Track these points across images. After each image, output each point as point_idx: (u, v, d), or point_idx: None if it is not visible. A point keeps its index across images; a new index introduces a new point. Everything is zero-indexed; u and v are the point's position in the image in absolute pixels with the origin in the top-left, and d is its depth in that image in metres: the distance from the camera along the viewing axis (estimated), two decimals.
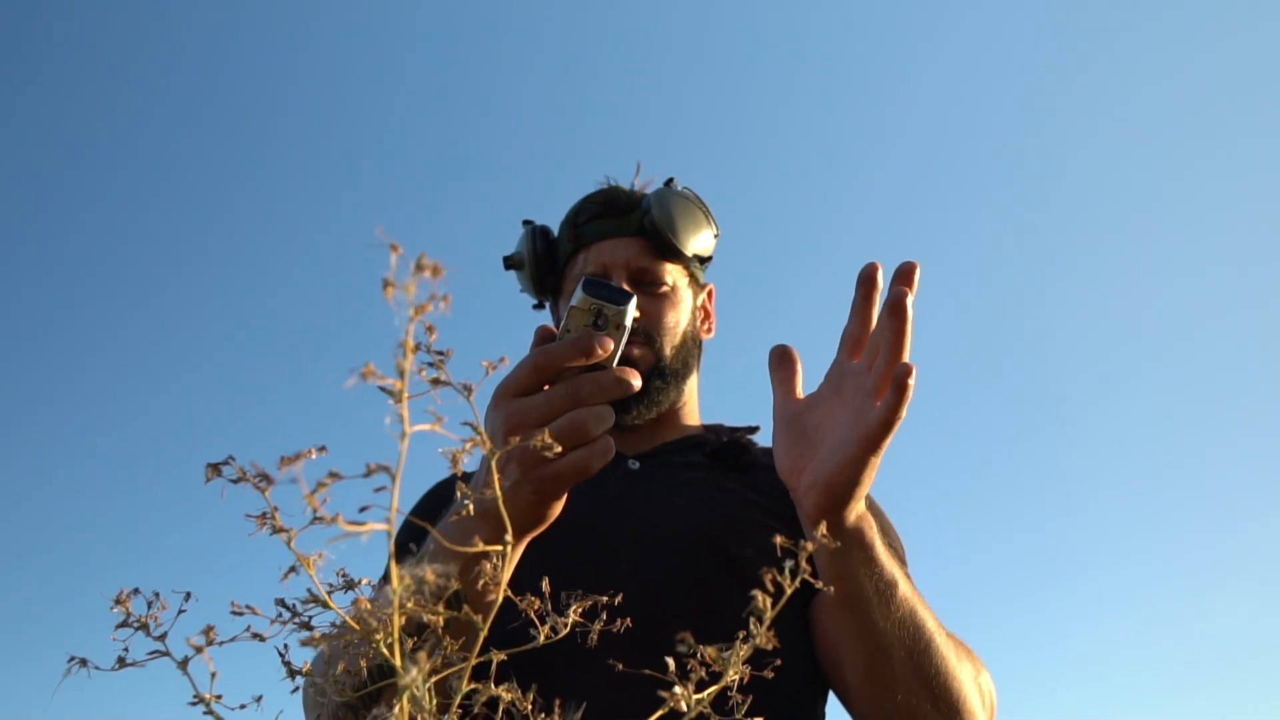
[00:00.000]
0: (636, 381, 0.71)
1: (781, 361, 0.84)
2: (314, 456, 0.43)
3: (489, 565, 0.43)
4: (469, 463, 0.43)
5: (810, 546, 0.40)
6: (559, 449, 0.70)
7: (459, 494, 0.47)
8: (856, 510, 0.77)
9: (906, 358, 0.72)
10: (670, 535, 1.02)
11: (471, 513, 0.47)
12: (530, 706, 0.45)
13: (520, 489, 0.70)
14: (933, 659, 0.84)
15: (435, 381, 0.42)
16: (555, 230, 1.23)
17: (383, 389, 0.38)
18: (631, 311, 0.73)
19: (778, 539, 0.42)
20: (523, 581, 0.61)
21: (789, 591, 0.39)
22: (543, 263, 1.20)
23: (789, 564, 0.39)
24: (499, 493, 0.72)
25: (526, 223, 1.24)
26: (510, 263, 1.25)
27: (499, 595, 0.59)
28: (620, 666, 0.58)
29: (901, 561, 1.10)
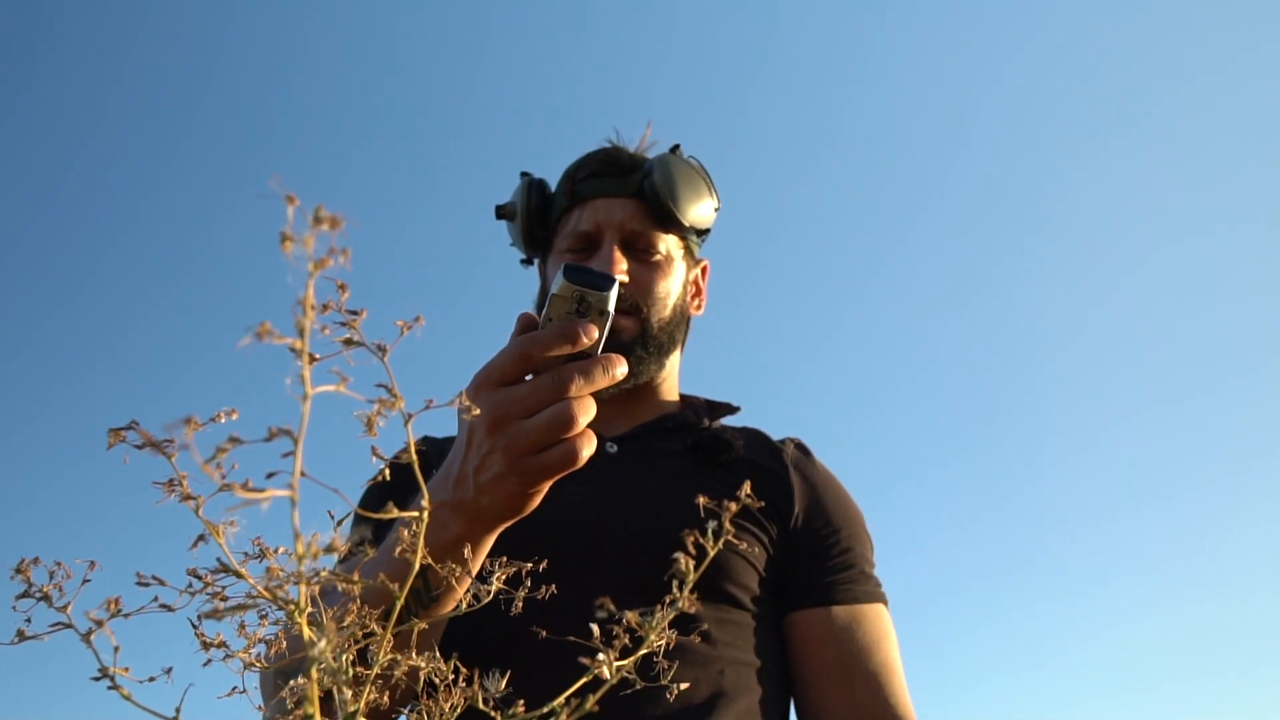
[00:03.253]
0: (622, 369, 0.70)
1: None
2: (224, 420, 0.41)
3: (407, 532, 0.42)
4: (382, 426, 0.41)
5: (734, 507, 0.40)
6: (547, 440, 0.69)
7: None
8: None
9: None
10: (648, 530, 0.99)
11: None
12: (452, 677, 0.44)
13: (505, 480, 0.69)
14: None
15: (348, 342, 0.40)
16: (552, 185, 1.18)
17: (291, 349, 0.37)
18: (614, 297, 0.71)
19: (700, 499, 0.41)
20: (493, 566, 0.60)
21: (711, 555, 0.39)
22: (535, 216, 1.15)
23: (711, 525, 0.39)
24: (476, 484, 0.70)
25: (524, 174, 1.19)
26: (502, 213, 1.20)
27: (465, 580, 0.57)
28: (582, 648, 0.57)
29: (867, 563, 1.09)
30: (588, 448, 0.68)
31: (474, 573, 0.72)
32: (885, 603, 1.06)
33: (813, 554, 1.06)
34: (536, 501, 0.72)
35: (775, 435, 1.19)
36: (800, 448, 1.17)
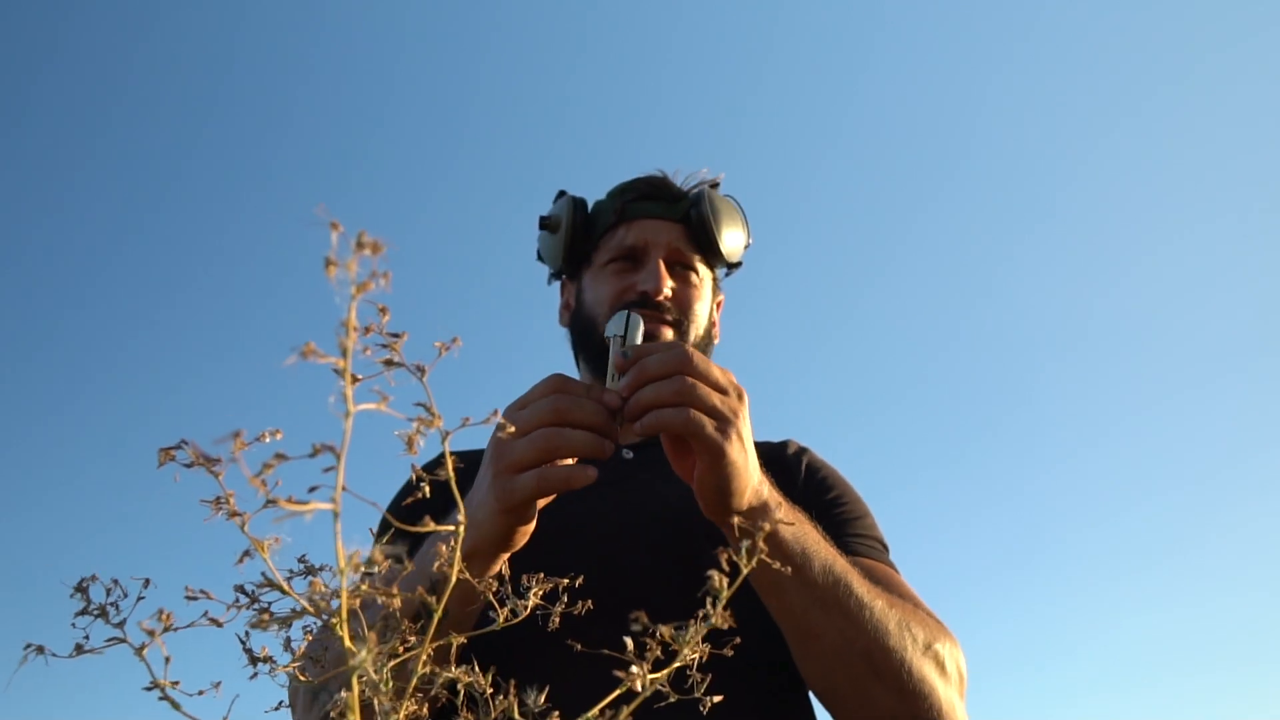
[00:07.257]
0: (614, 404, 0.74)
1: None
2: (268, 440, 0.43)
3: (445, 547, 0.43)
4: (424, 445, 0.42)
5: (766, 527, 0.40)
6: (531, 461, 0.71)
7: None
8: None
9: None
10: (663, 527, 1.02)
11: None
12: (491, 690, 0.44)
13: (490, 491, 0.72)
14: (867, 633, 0.82)
15: (388, 363, 0.41)
16: (590, 205, 1.26)
17: (335, 371, 0.38)
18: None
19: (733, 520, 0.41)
20: (514, 572, 0.61)
21: (745, 571, 0.39)
22: (579, 231, 1.23)
23: (745, 544, 0.39)
24: (469, 512, 0.73)
25: (562, 193, 1.27)
26: (546, 224, 1.27)
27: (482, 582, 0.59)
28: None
29: (878, 535, 1.10)
30: (562, 482, 0.70)
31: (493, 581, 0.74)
32: (898, 573, 1.06)
33: (820, 517, 1.07)
34: (520, 529, 0.73)
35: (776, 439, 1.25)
36: (799, 446, 1.23)
